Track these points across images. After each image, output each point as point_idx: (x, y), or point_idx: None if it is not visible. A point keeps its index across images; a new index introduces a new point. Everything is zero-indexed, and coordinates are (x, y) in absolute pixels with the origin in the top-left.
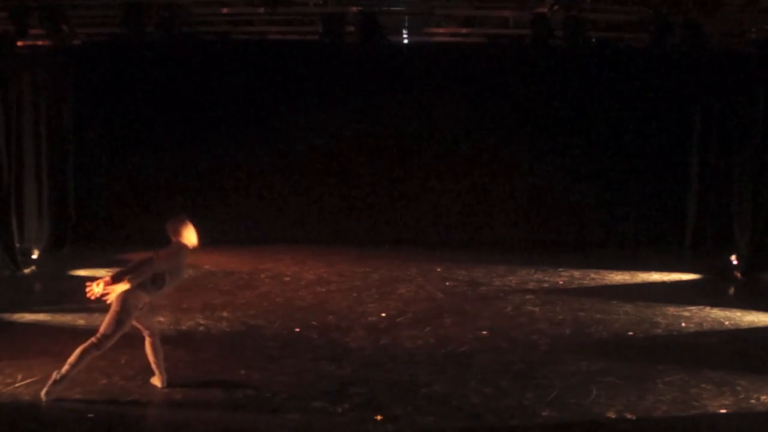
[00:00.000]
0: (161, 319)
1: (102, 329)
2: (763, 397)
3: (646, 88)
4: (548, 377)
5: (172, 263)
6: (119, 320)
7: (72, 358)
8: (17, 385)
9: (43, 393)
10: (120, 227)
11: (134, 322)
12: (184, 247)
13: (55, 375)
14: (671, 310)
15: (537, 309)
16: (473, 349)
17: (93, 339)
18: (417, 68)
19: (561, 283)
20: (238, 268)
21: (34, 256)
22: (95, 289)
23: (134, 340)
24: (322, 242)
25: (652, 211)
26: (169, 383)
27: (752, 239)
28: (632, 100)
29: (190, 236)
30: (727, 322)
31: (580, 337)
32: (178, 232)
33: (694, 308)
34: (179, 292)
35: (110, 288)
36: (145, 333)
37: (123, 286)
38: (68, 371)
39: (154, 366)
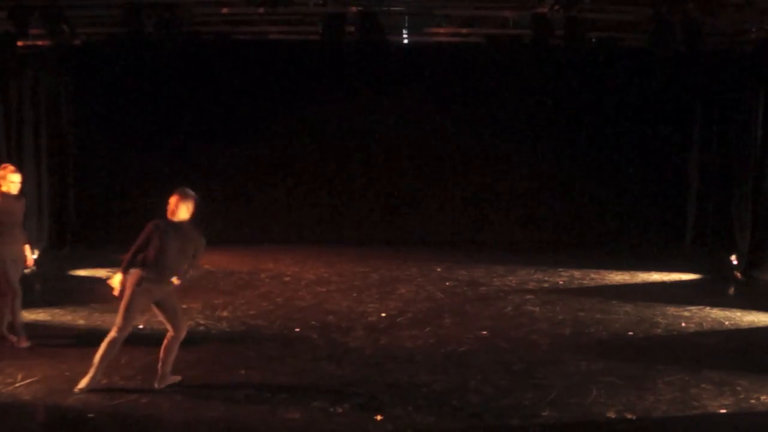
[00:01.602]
0: (161, 318)
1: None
2: (763, 397)
3: (646, 88)
4: (548, 377)
5: (153, 237)
6: (125, 303)
7: (99, 354)
8: (17, 385)
9: (78, 387)
10: (120, 227)
11: (159, 315)
12: (175, 222)
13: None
14: (671, 310)
15: (537, 309)
16: (473, 349)
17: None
18: (417, 68)
19: (561, 283)
20: (238, 268)
21: (34, 256)
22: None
23: (133, 340)
24: (322, 242)
25: (652, 210)
26: (168, 384)
27: (752, 239)
28: (632, 100)
29: (180, 212)
30: (727, 322)
31: (580, 337)
32: (169, 209)
33: (694, 308)
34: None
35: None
36: (168, 328)
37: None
38: (97, 364)
39: (159, 363)
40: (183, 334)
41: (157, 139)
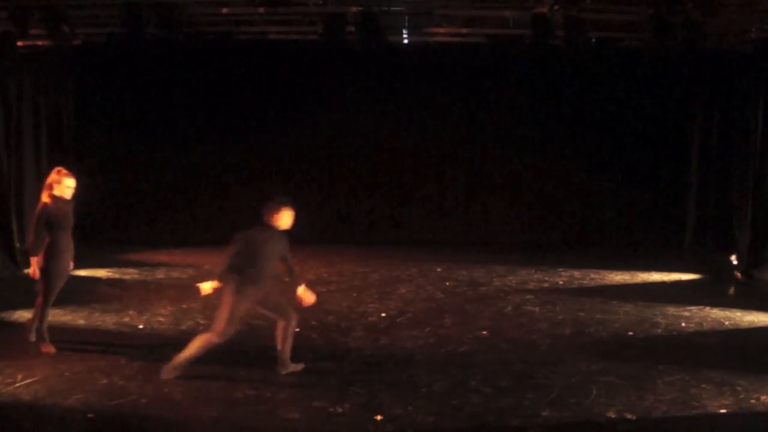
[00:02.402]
0: (161, 318)
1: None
2: (763, 397)
3: (646, 88)
4: (548, 377)
5: (243, 246)
6: (227, 310)
7: (190, 350)
8: (17, 385)
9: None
10: (120, 227)
11: (266, 313)
12: (268, 227)
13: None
14: (671, 310)
15: (537, 309)
16: (473, 349)
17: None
18: (417, 68)
19: (561, 283)
20: None
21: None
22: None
23: (133, 341)
24: (322, 242)
25: (653, 210)
26: (165, 383)
27: (752, 239)
28: (632, 100)
29: (282, 220)
30: (727, 322)
31: (580, 337)
32: (270, 215)
33: (694, 308)
34: (180, 292)
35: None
36: (277, 319)
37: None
38: (187, 358)
39: (277, 352)
40: (294, 321)
41: (157, 139)
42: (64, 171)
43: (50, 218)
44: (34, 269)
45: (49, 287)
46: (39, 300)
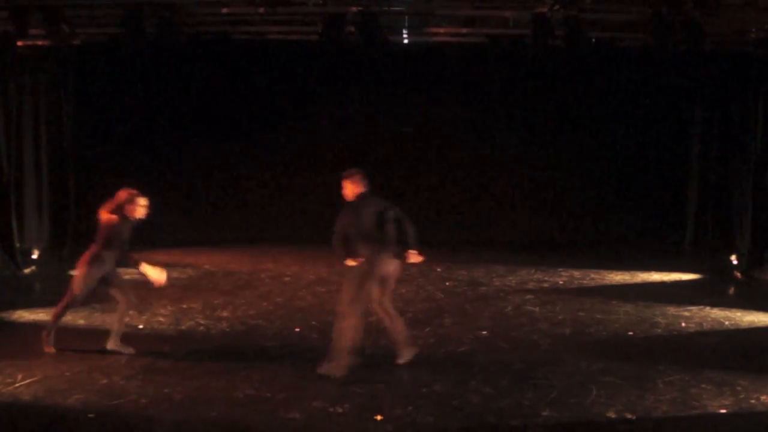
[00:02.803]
0: (161, 318)
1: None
2: (763, 397)
3: (646, 89)
4: (548, 377)
5: (346, 221)
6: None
7: (338, 335)
8: (17, 385)
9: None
10: None
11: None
12: (352, 203)
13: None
14: (671, 310)
15: (537, 309)
16: (473, 349)
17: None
18: (417, 68)
19: (561, 283)
20: (238, 268)
21: (34, 256)
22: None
23: (133, 341)
24: (322, 242)
25: (652, 210)
26: (166, 383)
27: (752, 239)
28: (632, 100)
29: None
30: (727, 322)
31: (580, 337)
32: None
33: (694, 308)
34: (179, 292)
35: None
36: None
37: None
38: (339, 345)
39: (395, 340)
40: (391, 310)
41: (157, 139)
42: (135, 191)
43: (115, 236)
44: (81, 272)
45: (77, 293)
46: (62, 301)
